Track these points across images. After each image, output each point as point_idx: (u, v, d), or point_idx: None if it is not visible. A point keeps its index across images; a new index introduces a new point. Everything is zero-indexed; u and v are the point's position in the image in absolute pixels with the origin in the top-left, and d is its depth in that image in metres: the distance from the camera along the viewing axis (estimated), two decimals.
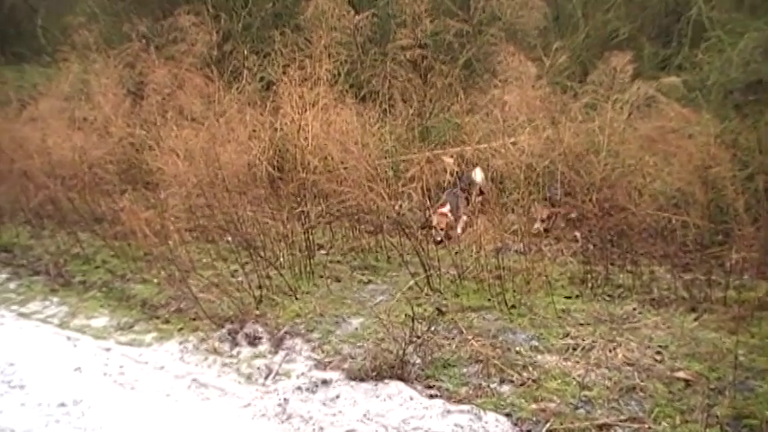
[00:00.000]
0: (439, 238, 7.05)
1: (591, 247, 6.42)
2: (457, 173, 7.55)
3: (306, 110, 7.08)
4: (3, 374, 5.67)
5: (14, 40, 13.66)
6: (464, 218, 7.41)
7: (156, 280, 7.06)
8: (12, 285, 7.71)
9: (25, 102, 9.58)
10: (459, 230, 7.31)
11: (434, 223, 7.12)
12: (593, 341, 5.19)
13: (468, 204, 7.46)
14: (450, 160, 7.48)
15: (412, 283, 6.26)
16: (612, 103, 6.63)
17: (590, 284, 6.10)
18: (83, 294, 7.20)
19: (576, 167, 6.44)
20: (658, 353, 5.02)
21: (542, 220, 7.13)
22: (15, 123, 8.93)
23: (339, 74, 8.36)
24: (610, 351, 5.06)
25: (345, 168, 6.79)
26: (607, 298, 5.92)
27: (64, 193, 8.20)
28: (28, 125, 8.78)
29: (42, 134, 8.33)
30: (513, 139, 6.65)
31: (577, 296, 6.01)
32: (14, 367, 5.77)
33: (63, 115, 8.74)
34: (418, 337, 5.22)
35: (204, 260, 7.28)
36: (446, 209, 7.20)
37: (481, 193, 7.45)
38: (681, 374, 4.74)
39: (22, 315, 6.94)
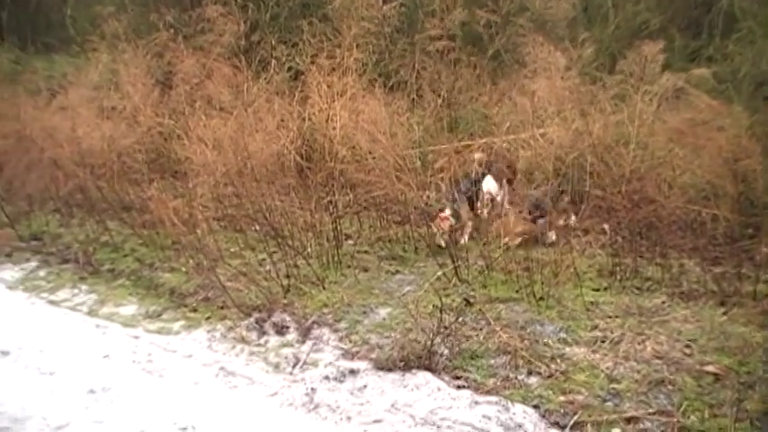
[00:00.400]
0: (443, 243, 6.69)
1: (620, 239, 6.37)
2: (464, 175, 7.17)
3: (334, 99, 7.08)
4: (33, 361, 5.73)
5: (43, 30, 13.73)
6: (469, 224, 7.06)
7: (184, 269, 7.09)
8: (41, 273, 7.79)
9: (55, 91, 9.64)
10: (464, 238, 7.00)
11: (435, 229, 6.78)
12: (622, 334, 5.16)
13: (471, 210, 7.11)
14: (480, 155, 7.41)
15: (440, 273, 6.25)
16: (642, 94, 6.58)
17: (619, 277, 6.07)
18: (111, 282, 7.26)
19: (604, 159, 6.40)
20: (687, 346, 4.98)
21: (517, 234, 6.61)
22: (45, 113, 8.97)
23: (367, 63, 8.36)
24: (638, 344, 5.03)
25: (373, 158, 6.78)
26: (636, 291, 5.88)
27: (93, 182, 8.26)
28: (57, 114, 8.83)
29: (72, 123, 8.37)
30: (541, 131, 6.62)
31: (606, 288, 5.98)
32: (44, 354, 5.83)
33: (92, 104, 8.79)
34: (446, 328, 5.20)
35: (232, 249, 7.31)
36: (447, 213, 6.90)
37: (492, 200, 7.10)
38: (710, 368, 4.70)
39: (51, 303, 7.01)
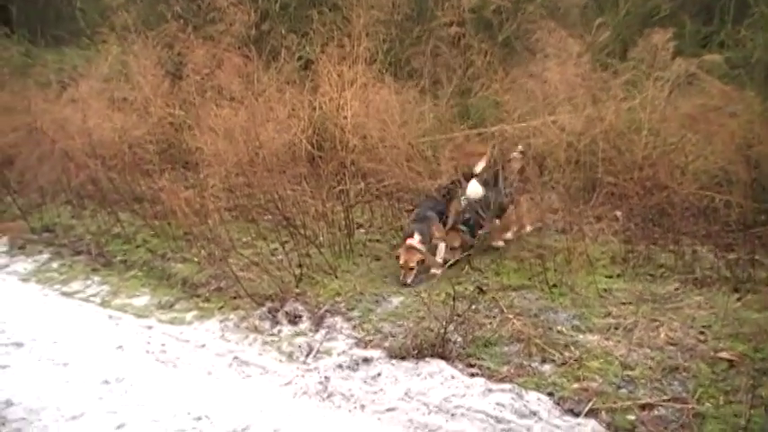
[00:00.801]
0: (408, 280, 6.07)
1: (632, 226, 6.36)
2: (439, 186, 6.77)
3: (345, 88, 7.08)
4: (47, 352, 5.75)
5: (53, 23, 13.76)
6: (441, 245, 6.37)
7: (196, 259, 7.09)
8: (54, 265, 7.80)
9: (65, 83, 9.68)
10: (437, 269, 6.28)
11: (401, 261, 6.09)
12: (636, 321, 5.14)
13: (444, 227, 6.50)
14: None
15: (452, 261, 6.25)
16: (654, 80, 6.57)
17: (632, 264, 6.05)
18: (124, 274, 7.26)
19: (616, 146, 6.39)
20: (701, 333, 4.97)
21: (453, 248, 6.36)
22: (56, 105, 9.02)
23: (378, 52, 8.35)
24: (652, 331, 5.02)
25: (385, 147, 6.78)
26: (649, 277, 5.87)
27: (104, 174, 8.28)
28: (68, 106, 8.87)
29: (83, 115, 8.41)
30: (553, 118, 6.60)
31: (619, 275, 5.96)
32: (58, 345, 5.85)
33: (103, 96, 8.83)
34: (459, 316, 5.22)
35: (244, 239, 7.31)
36: (416, 239, 6.10)
37: (480, 216, 6.44)
38: (724, 355, 4.69)
39: (64, 294, 7.02)
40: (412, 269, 6.00)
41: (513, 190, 6.66)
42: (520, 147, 7.24)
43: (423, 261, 6.07)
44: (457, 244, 6.29)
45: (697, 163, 6.14)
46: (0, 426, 4.73)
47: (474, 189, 6.48)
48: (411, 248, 6.04)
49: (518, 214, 6.61)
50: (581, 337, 5.07)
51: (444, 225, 6.46)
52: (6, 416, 4.85)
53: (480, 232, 6.42)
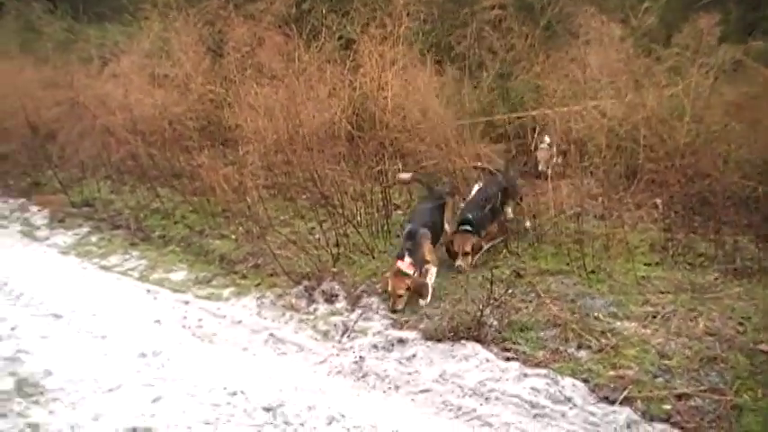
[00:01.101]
0: (399, 307, 5.54)
1: (672, 214, 6.30)
2: (424, 182, 6.66)
3: (385, 69, 7.05)
4: (85, 325, 5.83)
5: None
6: (432, 270, 5.85)
7: (233, 236, 7.16)
8: (93, 239, 7.91)
9: (107, 59, 9.74)
10: (426, 298, 5.64)
11: (389, 288, 5.59)
12: (674, 310, 5.10)
13: (435, 245, 6.03)
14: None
15: (489, 245, 6.24)
16: (698, 67, 6.44)
17: (671, 252, 5.99)
18: (162, 249, 7.35)
19: (658, 132, 6.31)
20: (740, 324, 4.91)
21: (465, 253, 6.06)
22: (97, 80, 9.11)
23: (419, 33, 8.30)
24: (690, 320, 4.98)
25: (424, 128, 6.76)
26: (688, 266, 5.81)
27: (144, 149, 8.35)
28: (110, 82, 8.95)
29: (124, 91, 8.47)
30: (594, 103, 6.54)
31: (658, 263, 5.90)
32: (96, 318, 5.94)
33: (144, 72, 8.87)
34: (495, 300, 5.19)
35: (282, 217, 7.35)
36: (406, 262, 5.59)
37: (480, 235, 6.15)
38: (763, 347, 4.64)
39: (103, 268, 7.12)
40: (401, 296, 5.52)
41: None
42: (547, 138, 7.21)
43: (411, 287, 5.54)
44: (468, 248, 6.03)
45: (740, 152, 6.05)
46: (39, 394, 4.82)
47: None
48: (399, 274, 5.52)
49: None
50: (618, 324, 5.03)
51: (437, 238, 6.09)
52: (45, 385, 4.93)
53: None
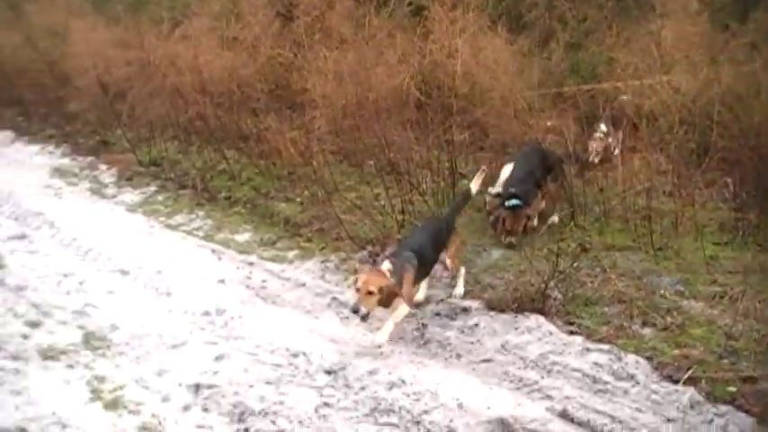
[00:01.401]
0: (363, 309, 4.56)
1: (744, 194, 6.15)
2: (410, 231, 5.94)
3: (455, 36, 7.00)
4: (151, 281, 5.95)
5: None
6: (401, 309, 4.78)
7: (299, 199, 7.21)
8: (160, 198, 8.04)
9: (177, 21, 9.83)
10: (399, 318, 4.79)
11: (359, 284, 4.65)
12: (742, 291, 4.97)
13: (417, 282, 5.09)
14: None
15: (556, 218, 6.19)
16: None
17: (741, 232, 5.85)
18: (227, 210, 7.44)
19: (733, 110, 6.17)
20: None
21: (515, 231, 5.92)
22: (168, 41, 9.19)
23: (489, 1, 8.21)
24: (759, 302, 4.85)
25: (493, 98, 6.70)
26: (758, 248, 5.66)
27: (213, 111, 8.41)
28: (180, 43, 9.04)
29: (193, 52, 8.56)
30: (667, 77, 6.41)
31: (727, 243, 5.77)
32: (162, 275, 6.05)
33: (213, 34, 8.95)
34: (560, 273, 5.14)
35: (347, 182, 7.37)
36: (387, 265, 4.77)
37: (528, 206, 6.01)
38: None
39: (169, 226, 7.25)
40: (369, 295, 4.56)
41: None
42: (603, 126, 7.07)
43: (384, 291, 4.58)
44: (521, 226, 5.89)
45: None
46: (105, 348, 4.93)
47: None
48: (375, 273, 4.75)
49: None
50: (684, 303, 4.96)
51: (426, 271, 5.18)
52: (112, 339, 5.06)
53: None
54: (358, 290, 4.61)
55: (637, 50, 6.90)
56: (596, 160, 7.06)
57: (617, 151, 7.17)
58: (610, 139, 7.20)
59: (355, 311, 4.58)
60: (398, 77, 7.00)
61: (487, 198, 6.35)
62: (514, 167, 6.22)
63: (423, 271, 5.06)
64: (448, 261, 5.32)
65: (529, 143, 6.50)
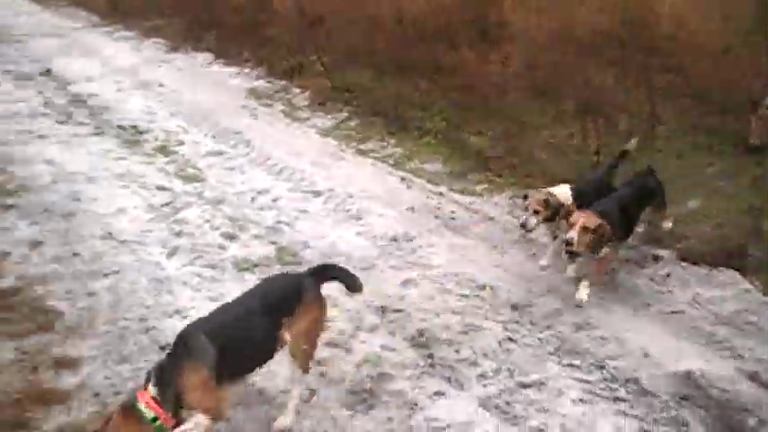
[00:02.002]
0: None
1: None
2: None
3: None
4: (342, 204, 6.10)
5: None
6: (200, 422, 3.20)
7: (491, 133, 7.14)
8: (351, 123, 8.17)
9: None
10: None
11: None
12: None
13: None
14: None
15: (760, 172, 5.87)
16: None
17: None
18: (418, 140, 7.47)
19: None
20: None
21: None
22: None
23: None
24: None
25: (701, 41, 6.37)
26: None
27: (409, 41, 8.40)
28: None
29: None
30: None
31: None
32: (352, 200, 6.18)
33: None
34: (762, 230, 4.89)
35: (541, 120, 7.21)
36: (148, 396, 3.03)
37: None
38: None
39: (359, 152, 7.37)
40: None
41: None
42: None
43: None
44: (592, 225, 4.44)
45: None
46: (296, 264, 5.10)
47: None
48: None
49: None
50: None
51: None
52: (304, 256, 5.22)
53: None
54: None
55: None
56: None
57: None
58: None
59: (523, 225, 4.75)
60: (601, 15, 6.74)
61: None
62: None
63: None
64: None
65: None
